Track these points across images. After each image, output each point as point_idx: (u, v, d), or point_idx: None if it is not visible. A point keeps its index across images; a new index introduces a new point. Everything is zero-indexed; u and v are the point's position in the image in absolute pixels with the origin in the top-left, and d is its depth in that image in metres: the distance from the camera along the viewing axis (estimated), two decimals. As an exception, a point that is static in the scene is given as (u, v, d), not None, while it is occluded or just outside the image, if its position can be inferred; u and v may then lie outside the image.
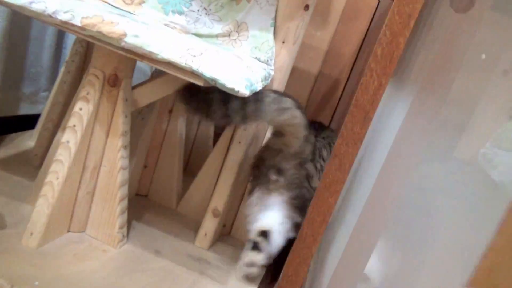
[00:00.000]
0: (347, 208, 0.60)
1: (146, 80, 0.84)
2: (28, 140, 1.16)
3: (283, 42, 0.92)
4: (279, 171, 0.83)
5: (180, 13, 0.94)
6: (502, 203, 0.40)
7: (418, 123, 0.49)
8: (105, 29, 0.64)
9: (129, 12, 0.93)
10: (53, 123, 1.04)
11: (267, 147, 0.88)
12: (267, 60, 0.89)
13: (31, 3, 0.65)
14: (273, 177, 0.83)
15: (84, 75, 0.80)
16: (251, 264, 0.79)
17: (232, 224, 1.03)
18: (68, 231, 0.82)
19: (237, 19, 0.93)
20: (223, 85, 0.63)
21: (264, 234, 0.81)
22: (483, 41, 0.55)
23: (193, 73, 0.64)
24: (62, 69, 1.12)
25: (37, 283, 0.67)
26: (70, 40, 1.27)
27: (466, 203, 0.48)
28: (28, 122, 1.24)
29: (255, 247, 0.80)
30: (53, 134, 1.04)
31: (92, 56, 0.77)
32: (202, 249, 0.93)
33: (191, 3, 0.93)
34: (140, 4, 0.95)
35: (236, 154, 0.92)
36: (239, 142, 0.93)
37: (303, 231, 0.53)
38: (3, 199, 0.86)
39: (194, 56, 0.64)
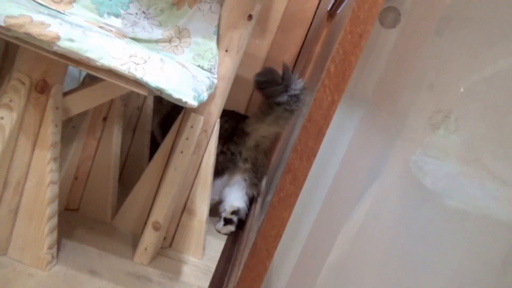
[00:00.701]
0: (300, 228, 0.61)
1: (79, 87, 0.77)
2: None
3: (226, 51, 0.91)
4: (245, 160, 1.14)
5: (117, 15, 0.88)
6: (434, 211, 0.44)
7: (368, 135, 0.51)
8: (35, 31, 0.58)
9: (58, 12, 0.85)
10: None
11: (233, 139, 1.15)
12: (211, 69, 0.88)
13: None
14: (240, 164, 1.13)
15: (5, 79, 0.71)
16: (227, 233, 1.14)
17: (174, 236, 0.99)
18: (-14, 255, 0.73)
19: (179, 25, 0.90)
20: (170, 96, 0.60)
21: (235, 212, 1.13)
22: (412, 56, 0.59)
23: (137, 82, 0.61)
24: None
25: None
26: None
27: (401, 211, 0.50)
28: None
29: (228, 222, 1.13)
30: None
31: (16, 59, 0.69)
32: (142, 265, 0.88)
33: (128, 6, 0.88)
34: (70, 3, 0.88)
35: (179, 165, 0.89)
36: (181, 152, 0.90)
37: (256, 246, 0.52)
38: None
39: (138, 64, 0.60)
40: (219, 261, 1.01)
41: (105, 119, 0.97)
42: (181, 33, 0.91)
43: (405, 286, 0.41)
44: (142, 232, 1.00)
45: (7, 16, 0.58)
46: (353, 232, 0.50)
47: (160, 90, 0.60)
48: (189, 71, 0.73)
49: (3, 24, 0.57)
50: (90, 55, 0.59)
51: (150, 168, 0.97)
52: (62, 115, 0.74)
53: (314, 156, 0.48)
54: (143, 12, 0.89)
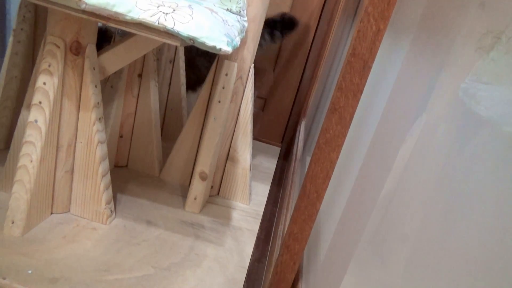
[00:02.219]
0: (349, 167, 0.60)
1: (112, 45, 0.77)
2: (-15, 121, 1.07)
3: (254, -10, 0.86)
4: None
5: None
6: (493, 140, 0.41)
7: (415, 66, 0.48)
8: (61, -10, 0.56)
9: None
10: (12, 100, 0.95)
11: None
12: (240, 11, 0.84)
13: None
14: None
15: (41, 44, 0.72)
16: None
17: (220, 184, 1.02)
18: (52, 213, 0.78)
19: (202, -33, 0.85)
20: (203, 43, 0.58)
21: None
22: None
23: (168, 33, 0.59)
24: (10, 40, 1.01)
25: (30, 271, 0.64)
26: (13, 4, 1.14)
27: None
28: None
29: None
30: (15, 112, 0.96)
31: (47, 22, 0.69)
32: (193, 213, 0.92)
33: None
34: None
35: (218, 114, 0.89)
36: (219, 101, 0.89)
37: (306, 188, 0.52)
38: (-28, 188, 0.80)
39: (167, 13, 0.58)
40: (266, 205, 1.03)
41: (140, 75, 0.97)
42: (205, -24, 0.86)
43: (458, 218, 0.40)
44: (189, 183, 1.04)
45: (32, -22, 0.56)
46: (402, 166, 0.49)
47: (192, 39, 0.58)
48: (219, 15, 0.70)
49: (29, -13, 0.56)
50: (118, 9, 0.57)
51: (190, 120, 0.98)
52: (99, 75, 0.75)
53: (361, 93, 0.46)
54: (164, -43, 0.85)
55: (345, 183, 0.56)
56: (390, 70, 0.50)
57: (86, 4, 0.57)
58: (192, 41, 0.59)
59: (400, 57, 0.48)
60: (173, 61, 1.18)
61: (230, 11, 0.84)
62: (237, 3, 0.84)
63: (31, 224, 0.73)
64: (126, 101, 0.97)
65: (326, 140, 0.48)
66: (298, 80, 1.42)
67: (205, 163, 0.91)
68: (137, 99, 0.98)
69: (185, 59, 1.21)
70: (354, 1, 1.12)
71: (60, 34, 0.68)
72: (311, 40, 1.38)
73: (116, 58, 0.76)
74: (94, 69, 0.72)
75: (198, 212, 0.93)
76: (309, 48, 1.38)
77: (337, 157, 0.49)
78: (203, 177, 0.91)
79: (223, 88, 0.89)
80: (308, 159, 0.97)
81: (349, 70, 0.46)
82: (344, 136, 0.48)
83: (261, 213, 1.00)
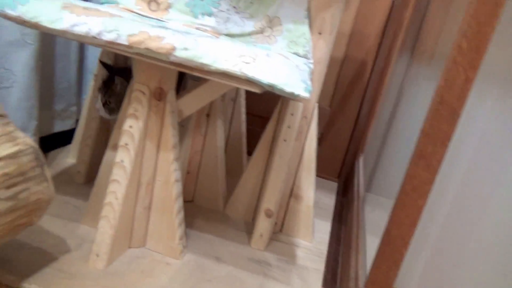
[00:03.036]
0: (433, 212, 0.59)
1: (188, 90, 0.82)
2: (66, 157, 1.16)
3: (320, 33, 0.90)
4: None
5: (210, 14, 0.92)
6: None
7: (506, 116, 0.48)
8: (153, 45, 0.62)
9: (158, 20, 0.91)
10: (92, 139, 1.03)
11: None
12: (306, 54, 0.87)
13: (73, 26, 0.63)
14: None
15: (128, 91, 0.78)
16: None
17: (283, 221, 1.03)
18: (129, 247, 0.83)
19: (269, 14, 0.90)
20: (282, 90, 0.62)
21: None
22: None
23: (248, 81, 0.63)
24: (91, 83, 1.11)
25: (114, 305, 0.67)
26: (90, 51, 1.25)
27: None
28: (62, 138, 1.24)
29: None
30: (94, 150, 1.04)
31: (134, 71, 0.76)
32: (259, 250, 0.93)
33: (219, 3, 0.91)
34: (166, 9, 0.94)
35: (283, 153, 0.91)
36: (284, 140, 0.92)
37: (390, 234, 0.52)
38: (59, 221, 0.86)
39: (248, 63, 0.62)
40: (330, 244, 1.02)
41: (208, 115, 1.02)
42: (272, 22, 0.91)
43: None
44: (253, 219, 1.06)
45: (129, 35, 0.63)
46: (493, 216, 0.47)
47: (271, 86, 0.61)
48: (291, 61, 0.74)
49: (126, 43, 0.63)
50: (204, 60, 0.62)
51: (255, 157, 1.01)
52: (177, 117, 0.80)
53: (449, 140, 0.46)
54: (234, 7, 0.91)
55: (430, 228, 0.55)
56: (479, 116, 0.50)
57: (175, 56, 0.63)
58: (271, 88, 0.62)
59: (490, 103, 0.48)
60: (234, 100, 1.23)
61: (297, 54, 0.88)
62: (303, 47, 0.88)
63: (112, 258, 0.77)
64: (194, 139, 1.02)
65: (413, 187, 0.49)
66: (355, 115, 1.42)
67: (271, 200, 0.92)
68: (205, 137, 1.03)
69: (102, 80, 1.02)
70: (412, 39, 1.12)
71: (145, 82, 0.75)
72: (368, 76, 1.39)
73: (192, 102, 0.81)
74: (173, 112, 0.78)
75: (264, 249, 0.94)
76: (366, 84, 1.39)
77: (424, 204, 0.49)
78: (268, 215, 0.93)
79: (289, 127, 0.92)
80: (372, 197, 0.96)
81: (436, 118, 0.47)
82: (431, 183, 0.48)
83: (325, 252, 0.99)
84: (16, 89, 0.96)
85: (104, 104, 0.96)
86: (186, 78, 1.07)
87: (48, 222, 0.85)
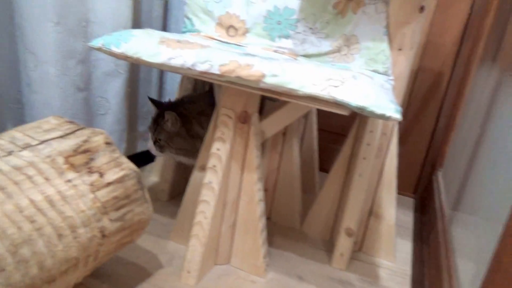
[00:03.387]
0: None
1: (271, 111, 0.85)
2: (149, 176, 1.24)
3: (400, 49, 0.88)
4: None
5: (287, 36, 0.94)
6: None
7: None
8: (244, 73, 0.65)
9: (237, 45, 0.95)
10: (170, 160, 1.09)
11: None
12: (386, 71, 0.86)
13: (170, 59, 0.69)
14: None
15: (214, 115, 0.83)
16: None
17: (362, 240, 1.01)
18: (215, 264, 0.86)
19: (345, 33, 0.91)
20: (372, 112, 0.61)
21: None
22: None
23: (336, 104, 0.64)
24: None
25: (207, 321, 0.70)
26: (169, 75, 1.33)
27: None
28: (144, 158, 1.32)
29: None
30: (175, 169, 1.10)
31: (220, 97, 0.80)
32: (341, 270, 0.92)
33: (296, 25, 0.93)
34: (244, 34, 0.97)
35: (363, 171, 0.90)
36: (364, 158, 0.90)
37: (501, 261, 0.49)
38: (151, 237, 0.92)
39: (336, 86, 0.63)
40: (414, 264, 0.98)
41: (284, 134, 1.04)
42: (349, 41, 0.91)
43: None
44: (330, 237, 1.05)
45: (221, 65, 0.67)
46: None
47: (361, 109, 0.62)
48: (376, 81, 0.73)
49: (218, 72, 0.67)
50: (292, 86, 0.64)
51: (332, 175, 1.00)
52: (260, 139, 0.83)
53: None
54: (310, 28, 0.93)
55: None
56: None
57: (264, 83, 0.65)
58: (360, 110, 0.62)
59: None
60: (306, 117, 1.24)
61: (377, 71, 0.87)
62: (383, 64, 0.87)
63: (202, 275, 0.81)
64: (271, 157, 1.05)
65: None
66: (431, 129, 1.36)
67: (352, 219, 0.91)
68: (281, 155, 1.05)
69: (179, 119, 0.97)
70: (493, 47, 1.06)
71: (231, 106, 0.78)
72: (445, 87, 1.33)
73: (274, 123, 0.84)
74: (257, 134, 0.80)
75: (345, 269, 0.93)
76: (443, 95, 1.33)
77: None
78: (349, 234, 0.92)
79: (368, 145, 0.90)
80: (461, 216, 0.91)
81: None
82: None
83: (409, 273, 0.95)
84: (110, 115, 1.05)
85: (155, 142, 0.97)
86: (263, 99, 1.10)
87: (141, 239, 0.91)
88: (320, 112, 1.42)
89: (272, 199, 1.09)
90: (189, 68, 0.68)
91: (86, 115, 1.01)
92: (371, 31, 0.89)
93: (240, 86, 0.69)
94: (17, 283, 0.50)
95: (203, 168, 0.85)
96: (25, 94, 0.90)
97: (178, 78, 1.23)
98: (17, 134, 0.64)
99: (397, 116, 0.61)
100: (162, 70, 1.32)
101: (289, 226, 1.09)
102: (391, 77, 0.87)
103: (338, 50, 0.92)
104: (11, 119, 0.94)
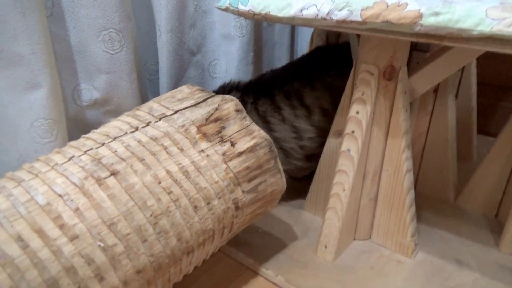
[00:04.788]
0: None
1: (422, 63, 0.70)
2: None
3: None
4: None
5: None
6: None
7: None
8: (393, 16, 0.52)
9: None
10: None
11: None
12: None
13: (302, 10, 0.59)
14: None
15: (352, 73, 0.71)
16: None
17: (544, 221, 0.80)
18: (354, 239, 0.78)
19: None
20: None
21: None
22: None
23: (528, 44, 0.46)
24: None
25: (349, 303, 0.63)
26: (300, 36, 1.24)
27: None
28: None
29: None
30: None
31: (359, 50, 0.68)
32: (513, 256, 0.75)
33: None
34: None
35: (552, 134, 0.69)
36: (554, 117, 0.68)
37: None
38: (283, 207, 0.88)
39: (530, 19, 0.45)
40: None
41: (436, 90, 0.86)
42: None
43: None
44: (496, 215, 0.86)
45: (363, 9, 0.55)
46: None
47: None
48: None
49: (359, 19, 0.55)
50: (462, 25, 0.49)
51: (501, 139, 0.80)
52: (409, 98, 0.69)
53: None
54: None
55: None
56: None
57: (422, 26, 0.51)
58: None
59: None
60: (462, 68, 1.02)
61: None
62: None
63: (340, 250, 0.74)
64: (419, 119, 0.89)
65: None
66: None
67: (532, 195, 0.72)
68: (431, 116, 0.88)
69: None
70: None
71: (374, 61, 0.66)
72: None
73: (427, 78, 0.68)
74: (405, 92, 0.67)
75: (520, 255, 0.75)
76: None
77: None
78: (527, 213, 0.73)
79: (562, 99, 0.68)
80: None
81: None
82: None
83: None
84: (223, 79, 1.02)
85: None
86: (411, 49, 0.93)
87: (275, 208, 0.88)
88: (479, 62, 1.16)
89: (419, 167, 0.94)
90: (324, 18, 0.58)
91: (201, 79, 0.99)
92: None
93: (387, 34, 0.56)
94: (159, 254, 0.50)
95: (339, 134, 0.76)
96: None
97: (308, 34, 1.13)
98: (154, 105, 0.64)
99: None
100: (293, 30, 1.23)
101: (441, 198, 0.92)
102: None
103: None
104: (151, 90, 0.98)
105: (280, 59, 1.20)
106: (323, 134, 0.80)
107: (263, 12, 0.62)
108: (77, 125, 0.75)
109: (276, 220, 0.84)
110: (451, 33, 0.50)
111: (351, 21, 0.56)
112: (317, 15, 0.58)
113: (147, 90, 0.92)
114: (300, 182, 0.93)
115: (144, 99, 0.85)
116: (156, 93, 0.95)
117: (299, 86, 0.80)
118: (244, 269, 0.72)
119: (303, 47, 1.23)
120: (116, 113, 0.78)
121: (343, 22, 0.56)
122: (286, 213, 0.86)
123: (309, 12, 0.59)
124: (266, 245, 0.77)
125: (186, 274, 0.60)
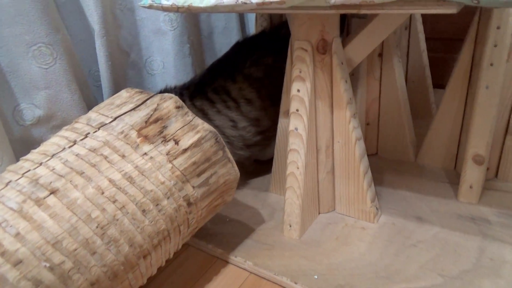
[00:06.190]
0: None
1: (354, 33, 0.70)
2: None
3: None
4: None
5: None
6: None
7: None
8: (308, -8, 0.52)
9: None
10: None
11: None
12: None
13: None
14: None
15: (289, 52, 0.71)
16: None
17: (498, 164, 0.82)
18: (319, 213, 0.80)
19: None
20: (495, 1, 0.43)
21: None
22: None
23: (439, 1, 0.47)
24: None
25: (316, 276, 0.65)
26: (249, 20, 1.23)
27: None
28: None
29: None
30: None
31: (290, 28, 0.68)
32: (471, 204, 0.77)
33: None
34: None
35: (491, 81, 0.70)
36: (491, 64, 0.70)
37: None
38: (252, 192, 0.89)
39: (434, -22, 0.46)
40: None
41: (380, 55, 0.87)
42: None
43: None
44: (454, 166, 0.88)
45: (278, -11, 0.54)
46: None
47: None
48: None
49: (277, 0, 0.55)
50: (372, -7, 0.49)
51: (449, 91, 0.82)
52: (347, 68, 0.69)
53: None
54: None
55: None
56: None
57: (335, -2, 0.51)
58: (476, 1, 0.44)
59: None
60: (409, 27, 1.02)
61: None
62: None
63: (304, 227, 0.75)
64: (369, 86, 0.90)
65: None
66: None
67: (480, 143, 0.74)
68: (380, 81, 0.89)
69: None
70: None
71: (305, 37, 0.66)
72: None
73: (361, 46, 0.69)
74: (342, 63, 0.67)
75: (477, 202, 0.77)
76: None
77: None
78: (478, 161, 0.75)
79: (495, 46, 0.69)
80: None
81: None
82: None
83: None
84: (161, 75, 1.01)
85: None
86: (348, 18, 0.93)
87: (241, 194, 0.89)
88: (425, 18, 1.17)
89: (377, 132, 0.95)
90: (244, 3, 0.57)
91: (139, 78, 0.99)
92: None
93: (308, 10, 0.56)
94: (112, 262, 0.50)
95: (287, 114, 0.76)
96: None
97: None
98: (93, 114, 0.63)
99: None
100: (241, 16, 1.21)
101: (402, 159, 0.95)
102: None
103: None
104: (99, 97, 0.96)
105: (231, 44, 1.19)
106: (255, 123, 0.84)
107: (186, 4, 0.61)
108: (24, 146, 0.74)
109: (243, 206, 0.85)
110: (364, 0, 0.50)
111: (271, 2, 0.55)
112: (237, 1, 0.57)
113: (95, 97, 0.91)
114: (264, 166, 0.94)
115: (91, 108, 0.84)
116: (103, 100, 0.94)
117: (223, 81, 0.84)
118: (215, 259, 0.74)
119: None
120: (63, 127, 0.77)
121: (263, 4, 0.56)
122: (253, 198, 0.87)
123: (229, 0, 0.58)
124: (235, 233, 0.78)
125: (152, 276, 0.61)
